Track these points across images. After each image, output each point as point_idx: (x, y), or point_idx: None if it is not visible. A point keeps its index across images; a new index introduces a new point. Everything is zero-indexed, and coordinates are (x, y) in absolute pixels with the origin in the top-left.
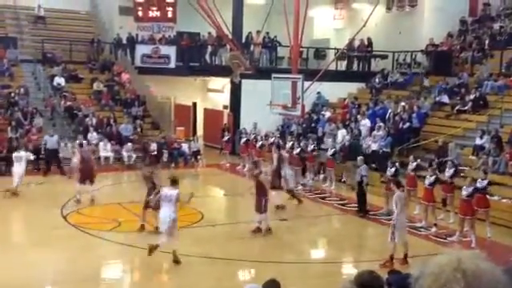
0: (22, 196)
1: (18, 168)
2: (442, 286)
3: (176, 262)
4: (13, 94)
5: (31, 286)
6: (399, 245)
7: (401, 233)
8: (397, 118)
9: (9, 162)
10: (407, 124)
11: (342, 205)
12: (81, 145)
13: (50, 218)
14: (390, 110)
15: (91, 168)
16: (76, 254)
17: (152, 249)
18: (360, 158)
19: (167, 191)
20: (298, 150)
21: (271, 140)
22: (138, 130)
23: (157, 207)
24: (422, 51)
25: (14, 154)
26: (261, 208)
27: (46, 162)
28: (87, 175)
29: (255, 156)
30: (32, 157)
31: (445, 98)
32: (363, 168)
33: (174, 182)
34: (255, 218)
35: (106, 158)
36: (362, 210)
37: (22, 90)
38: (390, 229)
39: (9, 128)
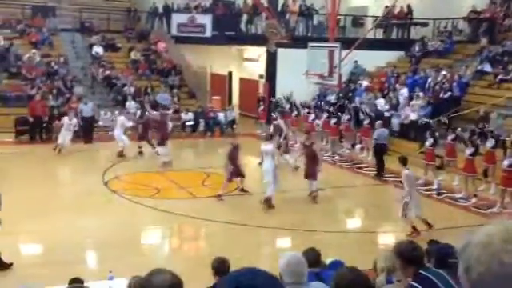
0: (64, 162)
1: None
2: (491, 257)
3: (269, 206)
4: (53, 63)
5: (72, 250)
6: (412, 219)
7: (415, 209)
8: (437, 87)
9: (50, 130)
10: (448, 93)
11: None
12: (153, 107)
13: (90, 184)
14: (429, 79)
15: (166, 130)
16: (116, 220)
17: (266, 201)
18: (378, 122)
19: (264, 147)
20: (335, 119)
21: (306, 110)
22: (175, 99)
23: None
24: (463, 18)
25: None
26: (315, 175)
27: (84, 130)
28: (165, 137)
29: (290, 126)
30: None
31: (487, 67)
32: (377, 132)
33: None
34: (310, 186)
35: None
36: (379, 173)
37: (61, 58)
38: (402, 206)
39: (50, 96)
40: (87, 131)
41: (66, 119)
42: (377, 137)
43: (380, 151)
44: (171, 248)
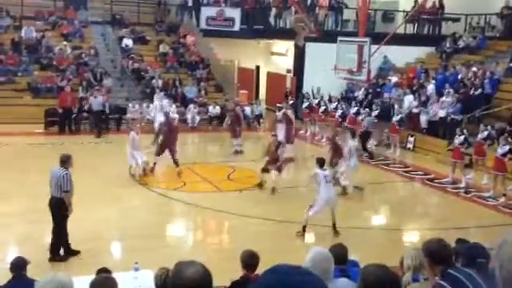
0: (93, 153)
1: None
2: None
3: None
4: (83, 55)
5: (99, 240)
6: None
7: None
8: (468, 83)
9: (79, 121)
10: (479, 90)
11: (406, 172)
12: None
13: (118, 176)
14: (460, 76)
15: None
16: (142, 211)
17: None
18: (366, 110)
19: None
20: (363, 115)
21: (334, 105)
22: (203, 92)
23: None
24: (496, 14)
25: None
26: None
27: (95, 124)
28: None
29: (318, 121)
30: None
31: None
32: (367, 120)
33: None
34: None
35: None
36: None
37: (92, 50)
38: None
39: (80, 88)
40: (97, 125)
41: (156, 102)
42: (366, 124)
43: (366, 136)
44: (196, 240)
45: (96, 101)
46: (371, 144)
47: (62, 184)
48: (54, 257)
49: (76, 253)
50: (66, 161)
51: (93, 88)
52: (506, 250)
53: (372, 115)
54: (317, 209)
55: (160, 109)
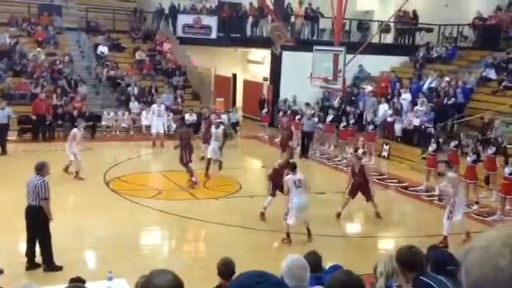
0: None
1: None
2: (488, 260)
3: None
4: (58, 62)
5: (72, 249)
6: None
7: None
8: (441, 93)
9: (53, 128)
10: (452, 99)
11: (381, 180)
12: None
13: (92, 184)
14: (433, 85)
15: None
16: (116, 220)
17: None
18: (308, 113)
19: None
20: (344, 123)
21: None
22: (179, 100)
23: None
24: (469, 25)
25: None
26: None
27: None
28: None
29: (294, 129)
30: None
31: (491, 74)
32: (307, 123)
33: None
34: None
35: (147, 127)
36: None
37: (66, 57)
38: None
39: (54, 95)
40: (2, 139)
41: (155, 106)
42: (307, 127)
43: (308, 137)
44: (171, 249)
45: (1, 113)
46: (348, 152)
47: (40, 192)
48: (50, 266)
49: (58, 268)
50: (42, 168)
51: (67, 95)
52: (471, 256)
53: (350, 123)
54: (292, 217)
55: (158, 114)
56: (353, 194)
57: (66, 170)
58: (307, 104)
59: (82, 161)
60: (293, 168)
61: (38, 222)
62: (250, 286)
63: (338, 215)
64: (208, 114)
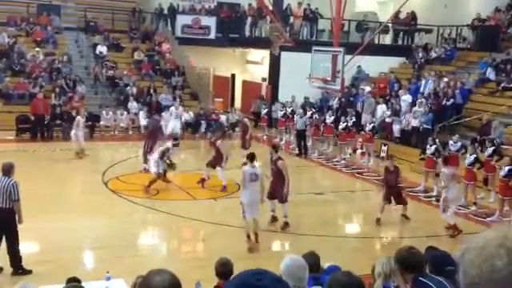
0: (64, 161)
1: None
2: (484, 261)
3: None
4: (56, 62)
5: (70, 249)
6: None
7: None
8: (440, 94)
9: (51, 128)
10: (450, 100)
11: (379, 180)
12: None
13: (90, 184)
14: (432, 86)
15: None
16: (114, 220)
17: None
18: (300, 111)
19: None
20: (344, 124)
21: (309, 113)
22: (178, 100)
23: None
24: (467, 26)
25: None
26: None
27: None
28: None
29: (292, 129)
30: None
31: (490, 75)
32: (300, 121)
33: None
34: None
35: (146, 127)
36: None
37: (65, 57)
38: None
39: (52, 95)
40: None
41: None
42: (298, 125)
43: (302, 136)
44: (169, 249)
45: None
46: (346, 153)
47: (12, 193)
48: (18, 270)
49: (27, 272)
50: (9, 169)
51: (65, 95)
52: (468, 256)
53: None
54: (247, 212)
55: (175, 116)
56: (387, 199)
57: (77, 154)
58: (306, 100)
59: (82, 159)
60: (251, 160)
61: (8, 225)
62: (251, 283)
63: (378, 220)
64: (241, 118)
